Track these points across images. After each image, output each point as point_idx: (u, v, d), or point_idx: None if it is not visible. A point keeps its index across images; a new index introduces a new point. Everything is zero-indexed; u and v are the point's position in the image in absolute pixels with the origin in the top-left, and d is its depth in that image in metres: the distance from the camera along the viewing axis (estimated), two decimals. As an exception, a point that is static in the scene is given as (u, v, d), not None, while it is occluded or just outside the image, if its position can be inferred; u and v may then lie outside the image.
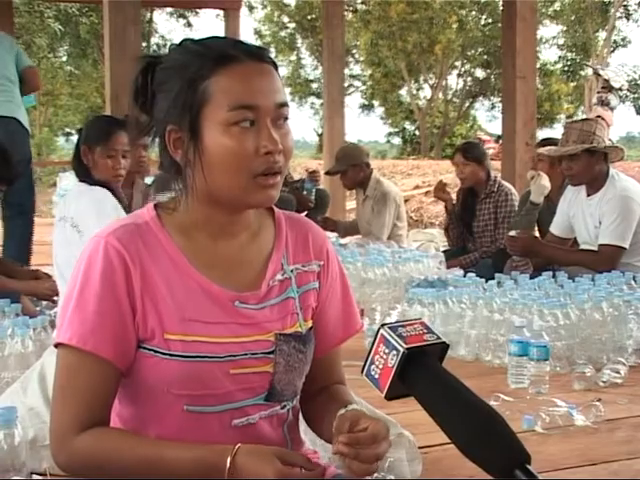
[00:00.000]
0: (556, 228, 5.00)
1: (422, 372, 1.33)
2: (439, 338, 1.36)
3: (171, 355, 1.48)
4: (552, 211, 5.20)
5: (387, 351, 1.34)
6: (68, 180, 8.85)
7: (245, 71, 1.48)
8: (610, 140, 4.93)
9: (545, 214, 5.35)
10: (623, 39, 30.51)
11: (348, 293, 1.72)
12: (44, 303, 4.36)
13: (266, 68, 1.51)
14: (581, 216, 4.82)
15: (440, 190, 6.32)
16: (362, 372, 1.38)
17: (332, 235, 6.79)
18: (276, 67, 1.54)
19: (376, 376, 1.35)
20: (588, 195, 4.78)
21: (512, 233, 4.95)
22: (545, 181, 5.32)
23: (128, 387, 1.53)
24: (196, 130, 1.48)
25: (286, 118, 1.52)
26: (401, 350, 1.32)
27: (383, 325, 1.36)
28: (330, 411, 1.55)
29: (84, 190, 3.75)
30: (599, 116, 13.29)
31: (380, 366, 1.35)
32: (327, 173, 7.18)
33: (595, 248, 4.69)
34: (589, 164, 4.68)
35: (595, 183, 4.73)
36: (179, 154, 1.51)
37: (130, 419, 1.55)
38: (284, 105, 1.51)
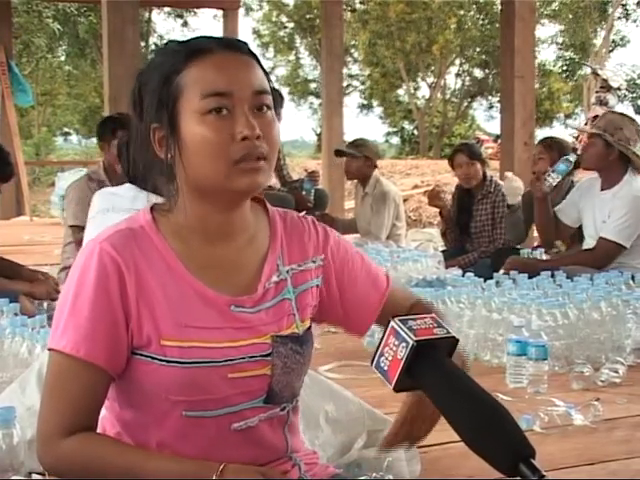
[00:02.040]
0: (562, 213, 5.00)
1: (431, 365, 1.33)
2: (449, 333, 1.36)
3: (168, 361, 1.48)
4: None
5: (397, 343, 1.34)
6: (66, 180, 8.83)
7: (218, 61, 1.48)
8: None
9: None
10: (622, 39, 30.54)
11: (364, 258, 1.72)
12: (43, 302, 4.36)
13: (242, 58, 1.51)
14: (591, 208, 4.82)
15: (435, 198, 6.33)
16: (371, 364, 1.39)
17: (330, 233, 6.77)
18: (257, 60, 1.54)
19: (385, 368, 1.36)
20: (602, 189, 4.80)
21: (503, 271, 4.98)
22: (515, 182, 5.44)
23: (127, 392, 1.53)
24: (174, 124, 1.49)
25: (268, 106, 1.50)
26: (410, 342, 1.32)
27: (394, 317, 1.36)
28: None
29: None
30: (597, 116, 13.30)
31: (389, 358, 1.35)
32: (337, 152, 7.07)
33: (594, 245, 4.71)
34: (602, 154, 4.71)
35: (609, 177, 4.75)
36: (163, 151, 1.52)
37: (130, 424, 1.54)
38: (263, 92, 1.50)
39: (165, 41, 1.59)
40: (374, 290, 1.70)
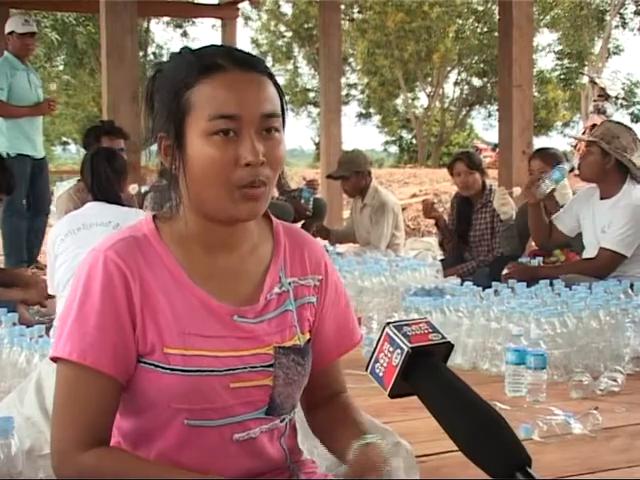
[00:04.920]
0: (559, 220, 5.03)
1: (426, 371, 1.33)
2: (444, 338, 1.36)
3: (171, 369, 1.47)
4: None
5: (392, 349, 1.34)
6: (65, 190, 8.82)
7: (229, 80, 1.47)
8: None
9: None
10: (617, 47, 30.58)
11: (348, 304, 1.72)
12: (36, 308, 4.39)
13: (255, 77, 1.49)
14: (590, 217, 4.83)
15: (430, 209, 6.34)
16: (366, 370, 1.38)
17: (324, 243, 6.79)
18: (272, 77, 1.52)
19: (380, 374, 1.35)
20: (602, 198, 4.81)
21: (505, 271, 5.00)
22: (496, 202, 5.63)
23: (128, 401, 1.52)
24: (181, 139, 1.48)
25: (276, 129, 1.49)
26: (405, 349, 1.32)
27: (388, 323, 1.36)
28: (340, 428, 1.59)
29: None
30: (595, 124, 13.34)
31: (384, 364, 1.35)
32: (329, 177, 7.20)
33: (595, 254, 4.71)
34: (599, 162, 4.74)
35: (608, 187, 4.77)
36: (168, 161, 1.52)
37: (131, 433, 1.54)
38: (271, 116, 1.48)
39: (175, 48, 1.59)
40: (347, 339, 1.69)
